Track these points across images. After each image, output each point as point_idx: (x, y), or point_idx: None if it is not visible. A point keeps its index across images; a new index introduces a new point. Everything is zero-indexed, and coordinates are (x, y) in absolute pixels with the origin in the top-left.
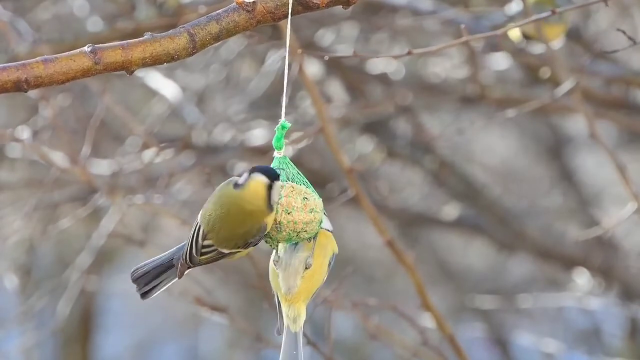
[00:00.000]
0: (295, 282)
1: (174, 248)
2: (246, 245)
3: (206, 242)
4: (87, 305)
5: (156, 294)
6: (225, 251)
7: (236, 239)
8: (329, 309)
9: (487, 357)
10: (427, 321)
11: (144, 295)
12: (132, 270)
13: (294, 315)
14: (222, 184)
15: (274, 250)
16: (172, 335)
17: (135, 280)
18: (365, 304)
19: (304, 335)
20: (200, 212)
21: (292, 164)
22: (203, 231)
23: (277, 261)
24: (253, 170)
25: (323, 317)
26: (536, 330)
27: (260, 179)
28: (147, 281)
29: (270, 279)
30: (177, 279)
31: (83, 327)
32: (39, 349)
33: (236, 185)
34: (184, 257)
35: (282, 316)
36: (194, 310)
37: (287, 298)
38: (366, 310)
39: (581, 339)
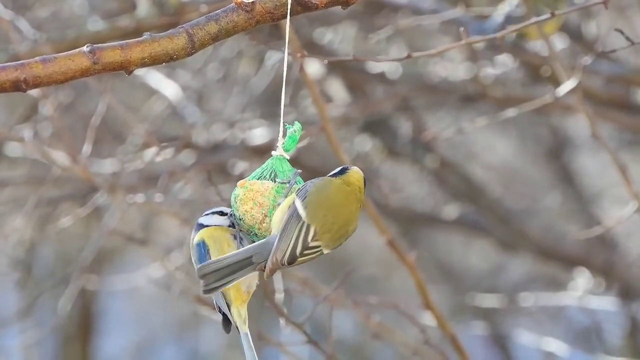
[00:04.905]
0: (254, 282)
1: (250, 246)
2: (345, 239)
3: (314, 244)
4: (88, 304)
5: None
6: (327, 251)
7: (343, 234)
8: (330, 307)
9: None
10: (428, 320)
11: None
12: (199, 266)
13: (245, 316)
14: (322, 183)
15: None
16: (172, 335)
17: (204, 276)
18: (366, 302)
19: (305, 333)
20: (305, 213)
21: (287, 162)
22: (315, 231)
23: None
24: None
25: (324, 316)
26: (537, 329)
27: (359, 171)
28: (219, 277)
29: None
30: (253, 275)
31: (83, 325)
32: (39, 347)
33: (335, 174)
34: (279, 257)
35: (227, 318)
36: (194, 310)
37: (243, 298)
38: (367, 308)
39: (581, 338)
